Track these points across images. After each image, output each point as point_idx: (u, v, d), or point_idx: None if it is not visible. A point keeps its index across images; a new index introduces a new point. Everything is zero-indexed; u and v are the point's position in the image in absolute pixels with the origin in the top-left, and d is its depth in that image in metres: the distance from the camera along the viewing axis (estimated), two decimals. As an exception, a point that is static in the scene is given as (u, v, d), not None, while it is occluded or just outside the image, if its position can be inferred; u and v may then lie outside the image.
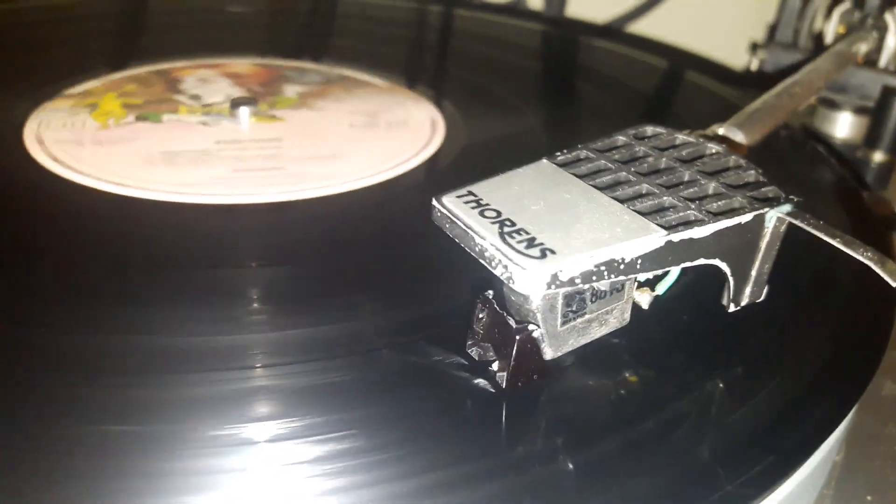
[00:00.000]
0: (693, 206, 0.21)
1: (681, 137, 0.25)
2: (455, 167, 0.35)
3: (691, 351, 0.24)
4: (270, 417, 0.20)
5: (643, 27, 0.64)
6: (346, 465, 0.19)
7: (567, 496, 0.19)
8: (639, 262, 0.20)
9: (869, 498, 0.26)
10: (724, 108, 0.33)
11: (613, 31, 0.62)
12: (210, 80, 0.40)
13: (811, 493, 0.25)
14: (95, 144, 0.33)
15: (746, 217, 0.22)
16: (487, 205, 0.21)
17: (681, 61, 0.53)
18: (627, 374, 0.23)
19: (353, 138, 0.36)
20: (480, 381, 0.22)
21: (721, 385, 0.23)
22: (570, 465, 0.20)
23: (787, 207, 0.22)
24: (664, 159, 0.24)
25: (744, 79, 0.51)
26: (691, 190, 0.22)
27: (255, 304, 0.25)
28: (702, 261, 0.21)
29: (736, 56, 0.60)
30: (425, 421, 0.21)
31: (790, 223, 0.22)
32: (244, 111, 0.35)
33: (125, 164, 0.32)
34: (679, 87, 0.50)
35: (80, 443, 0.19)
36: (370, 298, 0.26)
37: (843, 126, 0.48)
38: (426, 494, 0.19)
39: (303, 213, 0.30)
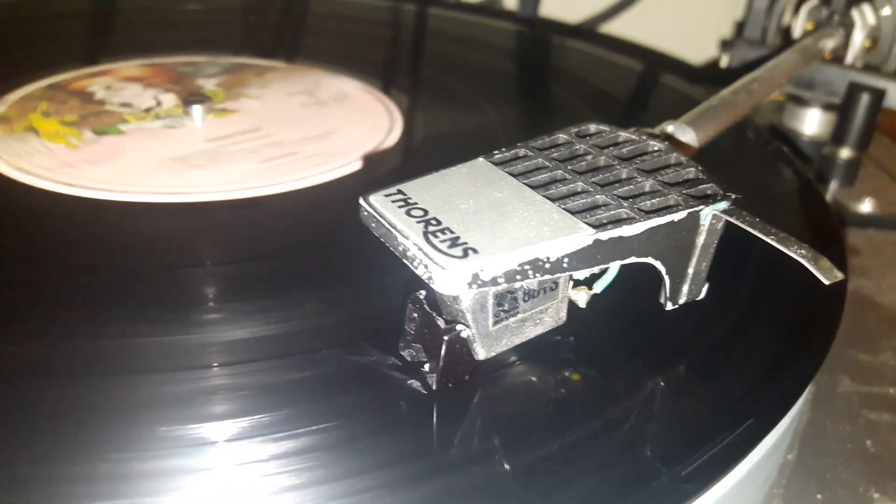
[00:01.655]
0: (626, 204, 0.21)
1: (623, 135, 0.25)
2: (408, 166, 0.35)
3: (632, 349, 0.24)
4: (211, 418, 0.20)
5: (616, 27, 0.63)
6: (279, 464, 0.19)
7: (505, 497, 0.19)
8: (565, 260, 0.20)
9: (819, 496, 0.26)
10: (693, 107, 0.32)
11: (584, 31, 0.62)
12: (119, 87, 0.39)
13: (760, 491, 0.25)
14: (89, 163, 0.32)
15: (680, 215, 0.21)
16: (415, 204, 0.21)
17: (649, 60, 0.53)
18: (568, 373, 0.23)
19: (320, 116, 0.36)
20: (413, 382, 0.22)
21: (662, 383, 0.23)
22: (507, 466, 0.20)
23: (722, 205, 0.22)
24: (603, 157, 0.24)
25: (713, 76, 0.51)
26: (627, 188, 0.22)
27: (198, 304, 0.25)
28: (634, 259, 0.21)
29: (708, 54, 0.59)
30: (361, 422, 0.21)
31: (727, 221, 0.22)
32: (198, 109, 0.34)
33: (144, 174, 0.31)
34: (648, 87, 0.50)
35: (35, 444, 0.19)
36: (312, 298, 0.25)
37: (812, 123, 0.48)
38: (360, 495, 0.18)
39: (249, 213, 0.30)
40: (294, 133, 0.35)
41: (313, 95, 0.39)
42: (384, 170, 0.34)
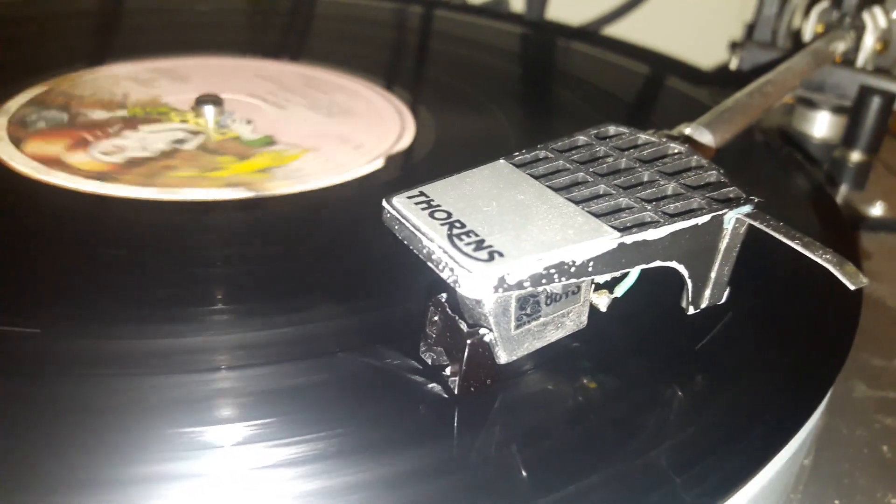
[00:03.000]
0: (650, 208, 0.21)
1: (643, 137, 0.25)
2: (422, 169, 0.35)
3: (651, 354, 0.24)
4: (225, 421, 0.20)
5: (624, 28, 0.63)
6: (298, 470, 0.19)
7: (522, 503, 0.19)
8: (590, 264, 0.20)
9: (836, 502, 0.26)
10: (701, 110, 0.32)
11: (592, 34, 0.62)
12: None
13: (778, 498, 0.25)
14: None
15: (704, 218, 0.21)
16: (438, 206, 0.20)
17: (659, 64, 0.53)
18: (586, 381, 0.22)
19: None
20: (434, 386, 0.21)
21: (680, 390, 0.23)
22: (524, 473, 0.19)
23: (746, 209, 0.22)
24: (624, 160, 0.23)
25: (722, 79, 0.51)
26: (650, 191, 0.22)
27: (211, 305, 0.25)
28: (658, 263, 0.21)
29: (717, 56, 0.59)
30: (380, 426, 0.20)
31: (750, 225, 0.22)
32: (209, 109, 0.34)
33: None
34: (658, 90, 0.49)
35: (40, 446, 0.19)
36: (328, 300, 0.25)
37: (822, 126, 0.48)
38: (378, 500, 0.18)
39: (263, 213, 0.30)
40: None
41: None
42: (399, 172, 0.34)
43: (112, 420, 0.20)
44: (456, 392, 0.21)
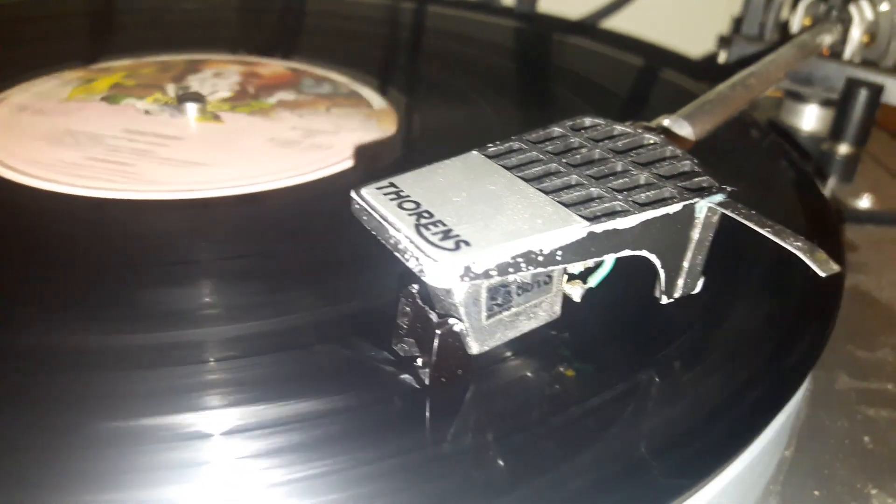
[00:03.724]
0: (620, 197, 0.21)
1: (619, 128, 0.25)
2: (405, 161, 0.34)
3: (627, 343, 0.24)
4: (203, 413, 0.20)
5: (613, 23, 0.63)
6: (274, 461, 0.19)
7: (498, 493, 0.19)
8: (559, 253, 0.20)
9: (816, 493, 0.26)
10: (691, 101, 0.32)
11: (583, 26, 0.62)
12: (222, 76, 0.40)
13: (757, 487, 0.25)
14: (29, 112, 0.34)
15: (675, 207, 0.21)
16: (407, 196, 0.20)
17: (647, 55, 0.52)
18: (562, 368, 0.22)
19: (254, 152, 0.34)
20: (406, 377, 0.21)
21: (656, 378, 0.23)
22: (500, 462, 0.19)
23: (718, 197, 0.22)
24: (598, 150, 0.23)
25: (712, 72, 0.51)
26: (622, 181, 0.22)
27: (192, 302, 0.25)
28: (628, 252, 0.21)
29: (705, 50, 0.59)
30: (353, 417, 0.20)
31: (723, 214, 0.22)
32: (191, 107, 0.34)
33: (27, 135, 0.33)
34: (646, 82, 0.49)
35: (32, 440, 0.19)
36: (306, 293, 0.25)
37: (810, 118, 0.48)
38: (351, 490, 0.18)
39: (257, 208, 0.30)
40: (185, 154, 0.33)
41: (304, 137, 0.36)
42: (380, 165, 0.34)
43: (97, 413, 0.20)
44: (427, 383, 0.21)
